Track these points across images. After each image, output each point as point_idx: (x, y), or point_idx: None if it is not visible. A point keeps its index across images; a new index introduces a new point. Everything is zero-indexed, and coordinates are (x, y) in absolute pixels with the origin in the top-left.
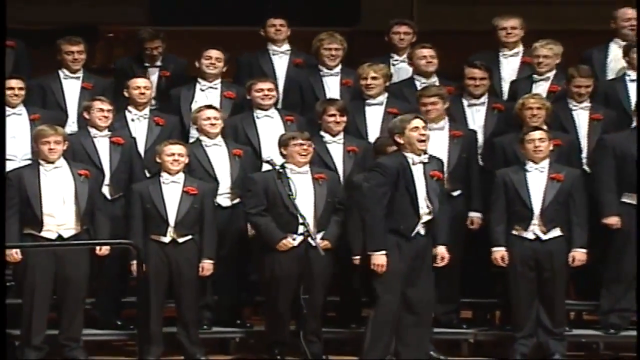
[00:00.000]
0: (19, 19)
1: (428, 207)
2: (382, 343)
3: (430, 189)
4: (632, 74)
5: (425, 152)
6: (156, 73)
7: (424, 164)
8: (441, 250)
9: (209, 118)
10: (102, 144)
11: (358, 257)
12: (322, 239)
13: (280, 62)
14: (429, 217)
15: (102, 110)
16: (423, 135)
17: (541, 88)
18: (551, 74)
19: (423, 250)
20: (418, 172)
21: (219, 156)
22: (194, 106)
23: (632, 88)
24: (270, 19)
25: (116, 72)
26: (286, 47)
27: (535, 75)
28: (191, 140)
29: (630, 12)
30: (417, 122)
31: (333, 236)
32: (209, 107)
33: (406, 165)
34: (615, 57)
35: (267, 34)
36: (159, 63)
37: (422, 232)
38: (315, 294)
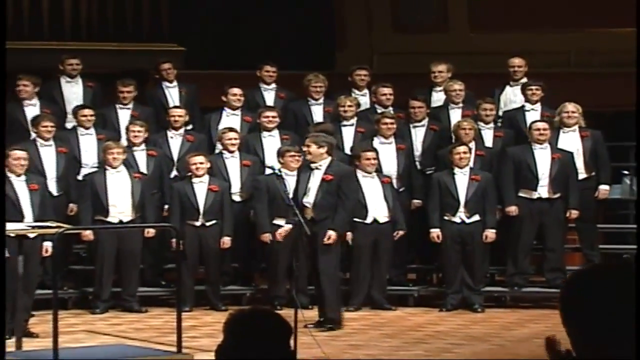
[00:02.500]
0: (90, 65)
1: (312, 200)
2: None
3: (320, 187)
4: (528, 106)
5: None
6: (176, 88)
7: (320, 169)
8: (329, 232)
9: (230, 139)
10: (140, 155)
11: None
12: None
13: (269, 96)
14: (310, 208)
15: (134, 131)
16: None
17: (457, 113)
18: (461, 103)
19: (317, 232)
20: (316, 175)
21: (233, 165)
22: (220, 127)
23: (528, 116)
24: (266, 66)
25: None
26: (274, 85)
27: (452, 104)
28: (217, 152)
29: (517, 61)
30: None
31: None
32: (232, 129)
33: (308, 169)
34: (506, 93)
35: (261, 76)
36: (175, 83)
37: (310, 218)
38: (303, 262)
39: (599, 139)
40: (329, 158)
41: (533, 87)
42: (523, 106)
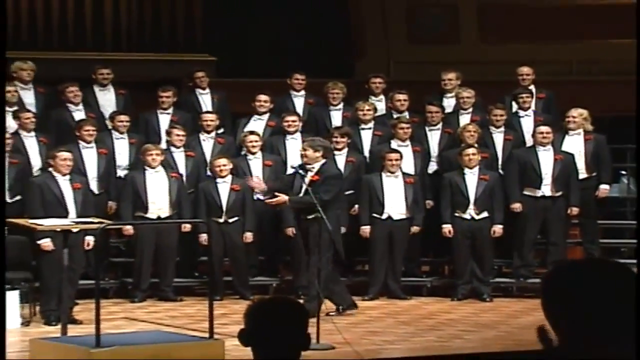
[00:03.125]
0: (129, 73)
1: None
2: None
3: (308, 187)
4: (521, 112)
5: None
6: (208, 95)
7: (313, 171)
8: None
9: (252, 141)
10: (179, 156)
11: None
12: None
13: (299, 102)
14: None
15: (178, 135)
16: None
17: (466, 118)
18: (470, 109)
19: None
20: (309, 176)
21: (256, 166)
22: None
23: (522, 121)
24: (295, 74)
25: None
26: (303, 92)
27: (461, 110)
28: (242, 153)
29: (526, 70)
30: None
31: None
32: (252, 133)
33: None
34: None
35: (291, 84)
36: (207, 90)
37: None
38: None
39: (601, 142)
40: (323, 160)
41: (524, 95)
42: (516, 112)
